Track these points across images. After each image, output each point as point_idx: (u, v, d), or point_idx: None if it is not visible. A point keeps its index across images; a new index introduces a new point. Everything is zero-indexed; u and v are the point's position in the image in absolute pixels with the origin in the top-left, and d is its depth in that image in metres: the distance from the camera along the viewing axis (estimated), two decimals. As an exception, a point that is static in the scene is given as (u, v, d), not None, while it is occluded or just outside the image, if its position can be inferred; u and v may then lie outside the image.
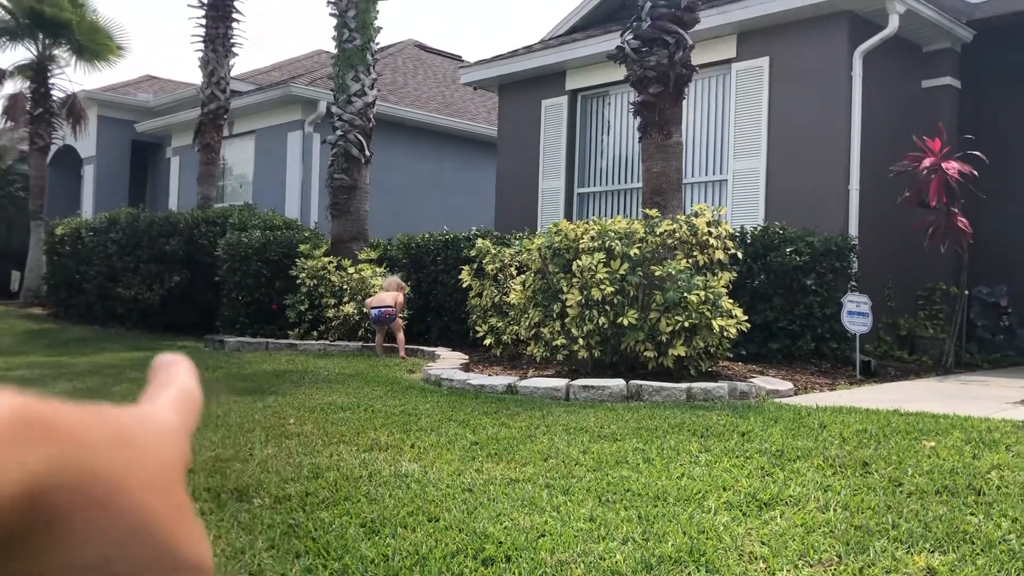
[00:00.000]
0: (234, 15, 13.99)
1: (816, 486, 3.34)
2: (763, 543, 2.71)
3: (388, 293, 8.75)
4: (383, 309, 8.58)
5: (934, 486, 3.29)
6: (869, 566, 2.52)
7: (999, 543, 2.64)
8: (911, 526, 2.81)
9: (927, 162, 8.18)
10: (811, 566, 2.56)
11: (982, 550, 2.60)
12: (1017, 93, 10.51)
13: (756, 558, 2.61)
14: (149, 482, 0.33)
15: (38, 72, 17.23)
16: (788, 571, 2.51)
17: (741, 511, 3.06)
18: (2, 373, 7.11)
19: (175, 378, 0.40)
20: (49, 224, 15.11)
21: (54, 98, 17.36)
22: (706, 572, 2.51)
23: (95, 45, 17.23)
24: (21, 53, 19.00)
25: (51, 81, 17.37)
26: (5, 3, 16.67)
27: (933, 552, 2.61)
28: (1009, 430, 4.37)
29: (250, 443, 4.27)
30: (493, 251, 8.41)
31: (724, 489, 3.32)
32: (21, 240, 18.61)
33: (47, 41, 17.30)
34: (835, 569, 2.53)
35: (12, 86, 17.52)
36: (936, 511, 2.96)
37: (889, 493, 3.23)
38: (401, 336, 8.70)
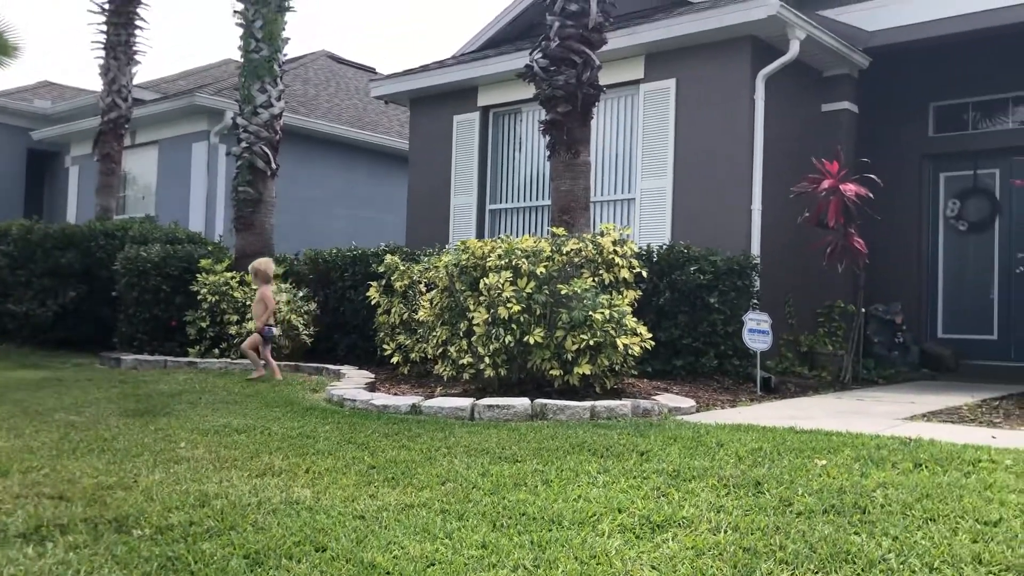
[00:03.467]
0: (137, 22, 13.57)
1: (709, 507, 3.37)
2: (653, 567, 2.71)
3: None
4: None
5: (822, 505, 3.34)
6: (755, 589, 2.54)
7: (879, 562, 2.69)
8: (797, 547, 2.85)
9: (826, 184, 8.44)
10: (699, 590, 2.56)
11: (863, 570, 2.65)
12: (909, 118, 10.98)
13: (646, 583, 2.60)
14: None
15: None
16: (676, 596, 2.51)
17: (634, 534, 3.05)
18: None
19: None
20: (-65, 235, 14.33)
21: (-57, 102, 16.54)
22: (595, 599, 2.48)
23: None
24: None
25: (-60, 85, 16.52)
26: None
27: (817, 573, 2.64)
28: (896, 447, 4.50)
29: (136, 469, 4.09)
30: (402, 267, 8.32)
31: (619, 511, 3.32)
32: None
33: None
34: (722, 593, 2.53)
35: None
36: (822, 531, 3.00)
37: (779, 513, 3.27)
38: (253, 350, 8.05)
